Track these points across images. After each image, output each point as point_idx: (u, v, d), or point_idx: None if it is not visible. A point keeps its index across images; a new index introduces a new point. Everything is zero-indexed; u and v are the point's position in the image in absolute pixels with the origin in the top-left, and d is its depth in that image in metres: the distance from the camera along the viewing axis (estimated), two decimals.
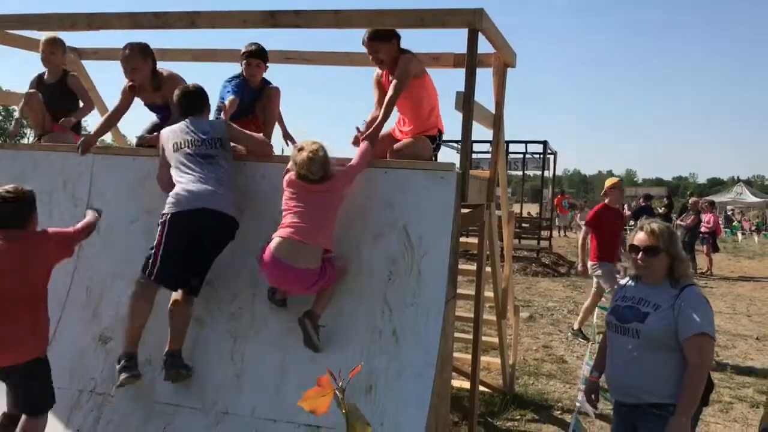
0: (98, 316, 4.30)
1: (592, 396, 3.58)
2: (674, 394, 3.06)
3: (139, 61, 4.68)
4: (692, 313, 3.05)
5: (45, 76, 5.29)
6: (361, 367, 3.38)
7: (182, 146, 4.01)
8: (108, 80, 5.32)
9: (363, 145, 4.06)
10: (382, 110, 4.23)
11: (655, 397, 3.12)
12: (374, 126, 4.23)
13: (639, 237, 3.25)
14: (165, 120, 4.75)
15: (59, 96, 5.23)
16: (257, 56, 4.84)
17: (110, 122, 5.00)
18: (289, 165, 3.88)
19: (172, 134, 4.10)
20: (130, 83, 4.84)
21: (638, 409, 3.19)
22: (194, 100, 4.26)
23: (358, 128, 4.36)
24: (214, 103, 4.56)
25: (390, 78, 4.42)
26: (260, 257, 3.78)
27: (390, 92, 4.20)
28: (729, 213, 34.06)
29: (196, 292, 3.91)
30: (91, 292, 4.37)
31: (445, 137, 4.73)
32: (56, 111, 5.22)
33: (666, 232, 3.22)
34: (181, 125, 4.12)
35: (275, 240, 3.73)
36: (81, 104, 5.32)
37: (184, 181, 3.89)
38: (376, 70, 4.64)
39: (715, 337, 3.12)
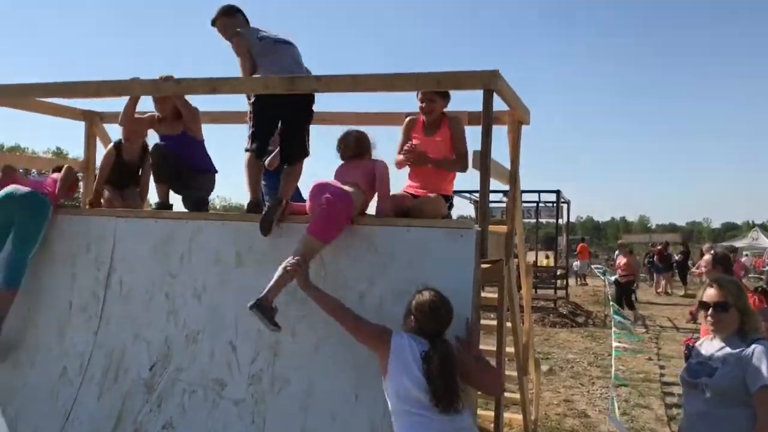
0: (118, 381, 4.30)
1: None
2: None
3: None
4: (759, 367, 3.02)
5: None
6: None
7: None
8: None
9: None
10: (454, 159, 4.33)
11: None
12: (423, 156, 4.28)
13: (708, 293, 3.25)
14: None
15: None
16: None
17: None
18: None
19: None
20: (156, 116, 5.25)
21: None
22: None
23: (411, 145, 4.31)
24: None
25: (424, 132, 4.47)
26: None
27: (460, 147, 4.32)
28: (744, 258, 33.34)
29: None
30: (112, 354, 4.38)
31: (455, 187, 4.75)
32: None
33: (734, 288, 3.22)
34: None
35: None
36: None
37: None
38: (409, 117, 4.61)
39: None
